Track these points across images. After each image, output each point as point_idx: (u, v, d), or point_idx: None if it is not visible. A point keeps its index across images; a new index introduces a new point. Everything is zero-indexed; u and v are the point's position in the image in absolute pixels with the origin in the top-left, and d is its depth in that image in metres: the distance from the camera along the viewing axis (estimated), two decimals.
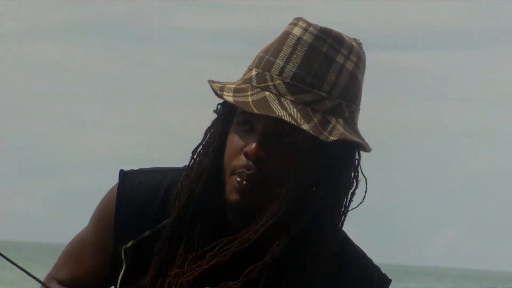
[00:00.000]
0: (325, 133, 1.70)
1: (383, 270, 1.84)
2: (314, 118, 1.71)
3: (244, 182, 1.71)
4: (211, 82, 1.76)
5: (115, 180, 1.85)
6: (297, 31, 1.75)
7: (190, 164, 1.79)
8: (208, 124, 1.80)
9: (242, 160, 1.71)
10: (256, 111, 1.69)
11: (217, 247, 1.73)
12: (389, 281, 1.84)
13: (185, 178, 1.77)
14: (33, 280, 1.76)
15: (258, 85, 1.73)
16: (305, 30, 1.75)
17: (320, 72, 1.73)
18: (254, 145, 1.70)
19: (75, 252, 1.90)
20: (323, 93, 1.73)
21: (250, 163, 1.70)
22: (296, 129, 1.69)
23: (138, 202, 1.82)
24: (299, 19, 1.77)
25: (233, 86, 1.75)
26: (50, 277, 1.90)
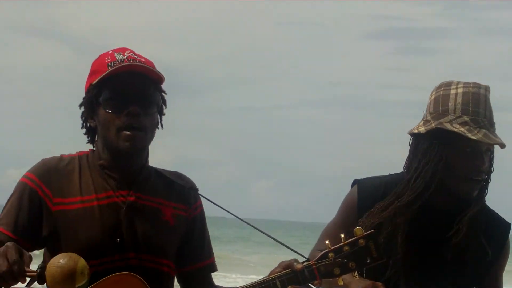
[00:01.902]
0: (503, 143, 2.90)
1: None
2: (499, 138, 2.88)
3: (476, 181, 2.90)
4: (451, 127, 2.86)
5: (346, 189, 3.09)
6: (480, 91, 2.90)
7: (413, 173, 2.93)
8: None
9: (476, 169, 2.88)
10: (489, 141, 2.84)
11: (457, 223, 2.93)
12: (509, 224, 3.06)
13: (411, 181, 2.94)
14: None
15: (476, 126, 2.85)
16: (479, 88, 2.90)
17: (491, 113, 2.90)
18: (485, 162, 2.88)
19: (330, 230, 3.05)
20: (494, 125, 2.90)
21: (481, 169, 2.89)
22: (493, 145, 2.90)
23: (370, 194, 3.01)
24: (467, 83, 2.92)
25: (462, 128, 2.84)
26: (315, 249, 3.00)
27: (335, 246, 2.50)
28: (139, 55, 2.61)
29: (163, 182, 2.67)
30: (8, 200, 2.58)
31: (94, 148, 2.66)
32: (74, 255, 2.34)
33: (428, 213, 2.95)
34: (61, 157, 2.63)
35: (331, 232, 3.03)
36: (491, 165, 2.94)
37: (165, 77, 2.62)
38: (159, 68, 2.64)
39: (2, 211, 2.57)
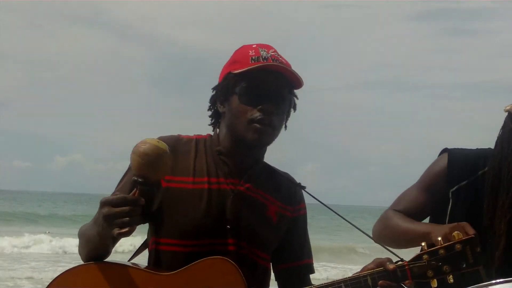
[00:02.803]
0: None
1: None
2: None
3: None
4: None
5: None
6: None
7: (497, 149, 2.90)
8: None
9: None
10: None
11: None
12: None
13: (496, 157, 2.89)
14: None
15: None
16: None
17: None
18: None
19: (410, 193, 3.05)
20: None
21: None
22: None
23: (460, 163, 2.98)
24: None
25: None
26: (390, 209, 3.04)
27: (431, 249, 2.49)
28: (281, 56, 2.64)
29: (274, 180, 2.71)
30: (125, 175, 2.62)
31: (212, 133, 2.71)
32: (143, 141, 2.29)
33: None
34: (179, 137, 2.67)
35: (412, 194, 3.06)
36: None
37: (303, 82, 2.63)
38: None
39: (118, 184, 2.61)
